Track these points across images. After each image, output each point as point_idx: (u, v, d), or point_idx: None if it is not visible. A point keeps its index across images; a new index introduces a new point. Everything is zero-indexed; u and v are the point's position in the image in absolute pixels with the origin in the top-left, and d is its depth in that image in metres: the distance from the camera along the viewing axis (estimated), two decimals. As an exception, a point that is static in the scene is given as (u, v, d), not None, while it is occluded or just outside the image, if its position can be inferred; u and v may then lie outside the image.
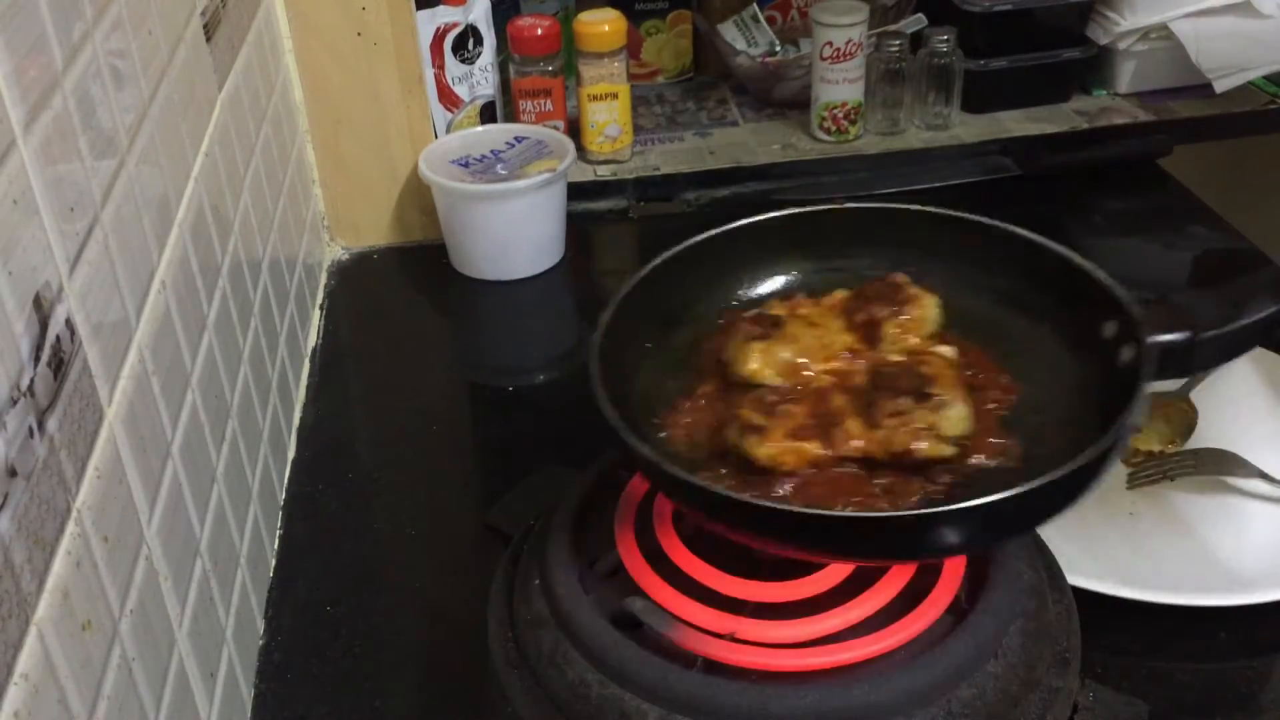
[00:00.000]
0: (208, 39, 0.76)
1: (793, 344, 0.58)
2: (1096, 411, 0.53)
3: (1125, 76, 1.26)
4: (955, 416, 0.53)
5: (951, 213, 0.63)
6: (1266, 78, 1.23)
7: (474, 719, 0.66)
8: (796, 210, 0.64)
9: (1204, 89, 1.21)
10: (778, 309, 0.60)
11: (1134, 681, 0.66)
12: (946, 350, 0.57)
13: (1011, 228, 0.61)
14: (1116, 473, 0.80)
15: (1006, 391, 0.57)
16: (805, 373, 0.57)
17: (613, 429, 0.52)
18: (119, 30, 0.59)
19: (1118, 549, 0.73)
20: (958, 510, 0.49)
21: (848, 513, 0.52)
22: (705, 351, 0.61)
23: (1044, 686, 0.54)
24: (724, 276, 0.64)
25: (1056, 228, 1.19)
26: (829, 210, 0.64)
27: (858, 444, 0.53)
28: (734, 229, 0.64)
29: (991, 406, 0.56)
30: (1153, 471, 0.78)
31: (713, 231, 0.63)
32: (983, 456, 0.54)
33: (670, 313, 0.62)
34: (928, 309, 0.59)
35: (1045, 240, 0.61)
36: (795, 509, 0.51)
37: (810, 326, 0.59)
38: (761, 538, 0.53)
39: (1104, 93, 1.28)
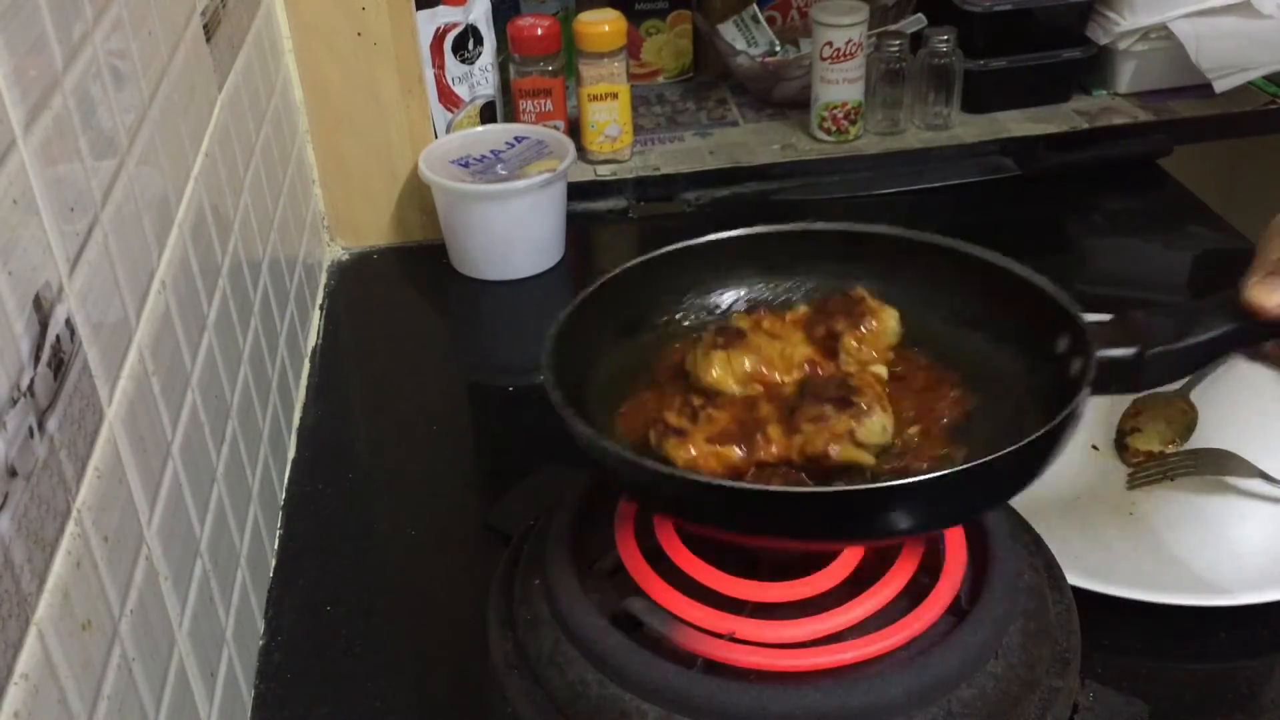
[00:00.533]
0: (208, 39, 0.76)
1: (754, 354, 0.59)
2: (1044, 422, 0.53)
3: (1125, 76, 1.26)
4: (874, 424, 0.54)
5: (910, 234, 0.64)
6: (1266, 78, 1.23)
7: (474, 719, 0.66)
8: (761, 229, 0.65)
9: (1204, 89, 1.21)
10: (741, 321, 0.61)
11: (1134, 681, 0.66)
12: (879, 369, 0.58)
13: (968, 248, 0.62)
14: (1117, 473, 0.80)
15: (957, 404, 0.58)
16: (766, 382, 0.58)
17: (555, 408, 0.54)
18: (119, 30, 0.59)
19: (1118, 549, 0.73)
20: (886, 488, 0.50)
21: (783, 488, 0.53)
22: (663, 358, 0.62)
23: (1044, 686, 0.54)
24: (686, 289, 0.65)
25: (1056, 228, 1.20)
26: (793, 230, 0.65)
27: (775, 450, 0.54)
28: (699, 244, 0.65)
29: (942, 419, 0.57)
30: (1153, 471, 0.78)
31: (677, 245, 0.64)
32: (923, 464, 0.55)
33: (630, 319, 0.64)
34: (886, 321, 0.60)
35: (1000, 259, 0.61)
36: (739, 485, 0.52)
37: (772, 339, 0.60)
38: (704, 519, 0.54)
39: (1104, 93, 1.28)
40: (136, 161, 0.59)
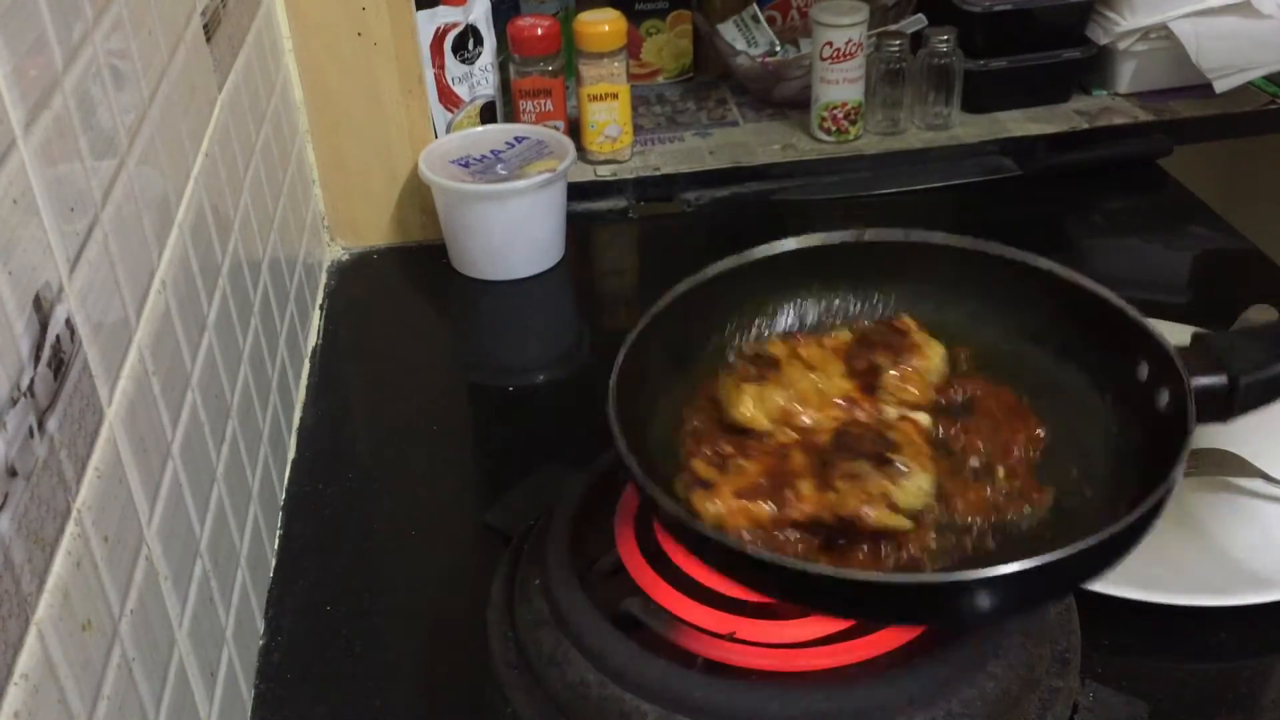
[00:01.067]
0: (208, 39, 0.76)
1: (788, 389, 0.56)
2: (1132, 458, 0.51)
3: (1125, 76, 1.26)
4: (913, 488, 0.51)
5: (978, 245, 0.60)
6: (1266, 78, 1.23)
7: (474, 719, 0.66)
8: (817, 241, 0.62)
9: (1204, 89, 1.21)
10: (777, 349, 0.58)
11: (1134, 681, 0.66)
12: (922, 418, 0.55)
13: (1041, 261, 0.59)
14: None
15: (1035, 436, 0.55)
16: (801, 419, 0.55)
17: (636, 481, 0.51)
18: (119, 30, 0.59)
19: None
20: (972, 580, 0.46)
21: (868, 575, 0.49)
22: (703, 392, 0.59)
23: (1044, 686, 0.54)
24: (738, 308, 0.62)
25: (1056, 228, 1.19)
26: (850, 243, 0.62)
27: (807, 507, 0.51)
28: (752, 261, 0.61)
29: (1025, 456, 0.54)
30: (1153, 471, 0.78)
31: (727, 262, 0.61)
32: (1015, 507, 0.52)
33: (686, 348, 0.60)
34: (931, 359, 0.57)
35: (1077, 276, 0.58)
36: (825, 571, 0.49)
37: (808, 370, 0.57)
38: (774, 592, 0.51)
39: (1104, 93, 1.28)
40: (136, 161, 0.59)
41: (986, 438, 0.55)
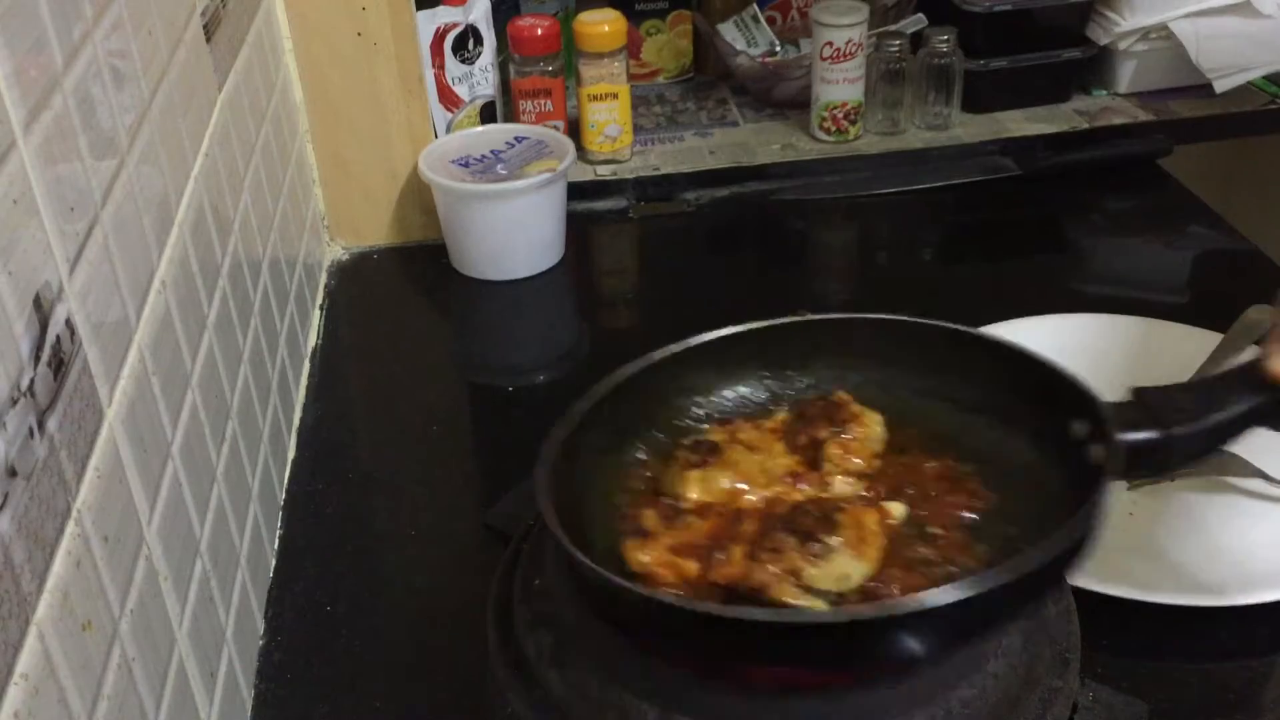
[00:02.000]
0: (208, 39, 0.76)
1: (732, 469, 0.56)
2: (1069, 516, 0.50)
3: (1125, 76, 1.27)
4: (831, 570, 0.50)
5: (909, 320, 0.61)
6: (1266, 78, 1.23)
7: (474, 719, 0.66)
8: (754, 325, 0.62)
9: (1204, 89, 1.21)
10: (716, 435, 0.59)
11: (1134, 681, 0.66)
12: (896, 509, 0.53)
13: (973, 331, 0.59)
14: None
15: (974, 498, 0.55)
16: (748, 498, 0.55)
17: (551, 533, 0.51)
18: (119, 30, 0.59)
19: (1118, 549, 0.73)
20: (897, 616, 0.46)
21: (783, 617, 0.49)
22: (643, 478, 0.59)
23: (1044, 686, 0.53)
24: (676, 394, 0.62)
25: (1056, 228, 1.19)
26: (787, 324, 0.62)
27: (729, 571, 0.51)
28: (690, 347, 0.61)
29: (960, 517, 0.54)
30: (1153, 471, 0.78)
31: (667, 349, 0.61)
32: (947, 569, 0.51)
33: (624, 430, 0.60)
34: (870, 427, 0.57)
35: (1009, 342, 0.58)
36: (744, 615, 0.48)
37: (750, 451, 0.57)
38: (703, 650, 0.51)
39: (1104, 93, 1.28)
40: (136, 161, 0.59)
41: (923, 499, 0.55)
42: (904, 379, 0.61)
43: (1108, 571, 0.69)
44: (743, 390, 0.63)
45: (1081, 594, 0.60)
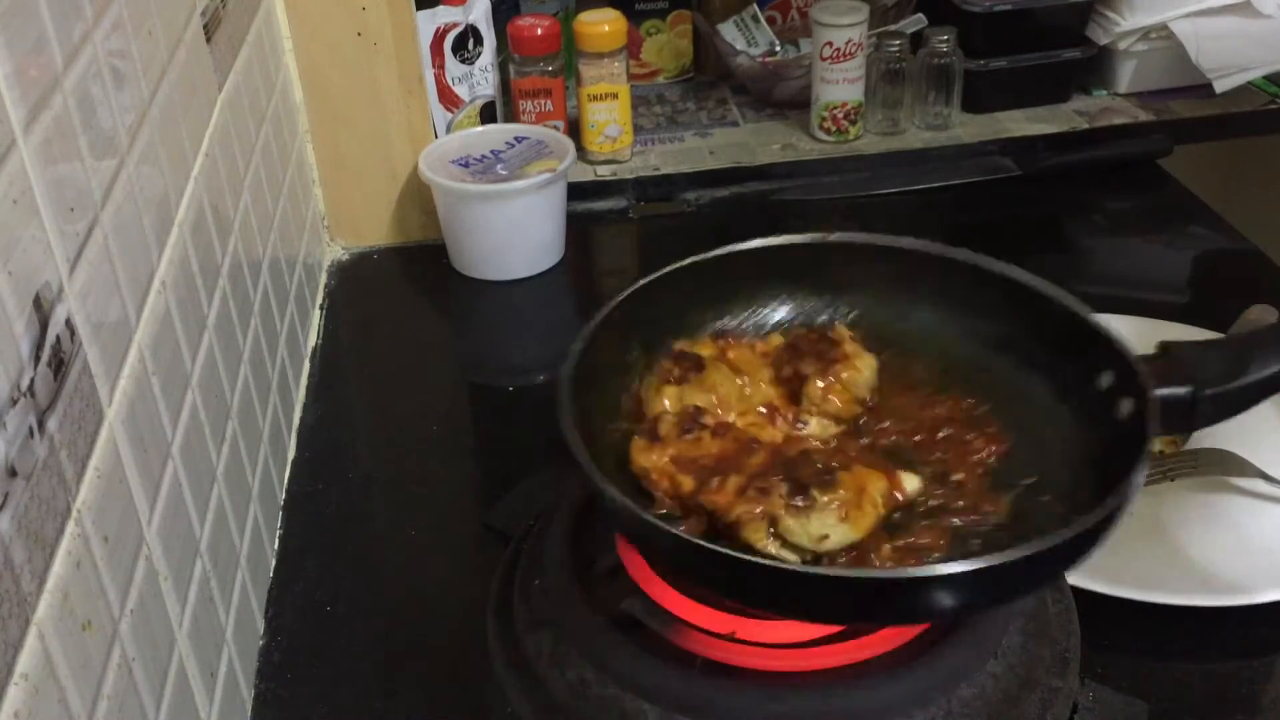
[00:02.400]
0: (208, 39, 0.76)
1: (710, 391, 0.55)
2: (1091, 467, 0.50)
3: (1125, 76, 1.27)
4: (808, 528, 0.49)
5: (940, 250, 0.59)
6: (1266, 78, 1.23)
7: (474, 719, 0.66)
8: (780, 241, 0.61)
9: (1204, 89, 1.21)
10: (706, 349, 0.58)
11: (1134, 681, 0.66)
12: (910, 482, 0.51)
13: (1005, 267, 0.58)
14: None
15: (993, 442, 0.54)
16: (718, 422, 0.54)
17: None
18: (119, 30, 0.59)
19: (1118, 549, 0.73)
20: (940, 576, 0.46)
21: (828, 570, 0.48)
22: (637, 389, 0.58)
23: (1044, 686, 0.54)
24: (709, 303, 0.61)
25: (1056, 228, 1.19)
26: (815, 243, 0.61)
27: (718, 499, 0.50)
28: (723, 254, 0.60)
29: (978, 458, 0.53)
30: (1153, 471, 0.78)
31: (701, 256, 0.60)
32: (968, 518, 0.51)
33: (653, 337, 0.60)
34: (861, 372, 0.55)
35: (1040, 282, 0.57)
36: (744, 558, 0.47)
37: (734, 374, 0.56)
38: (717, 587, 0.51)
39: (1104, 93, 1.28)
40: (136, 161, 0.59)
41: (942, 439, 0.54)
42: (926, 310, 0.60)
43: (1108, 571, 0.69)
44: (758, 310, 0.62)
45: (1081, 594, 0.60)
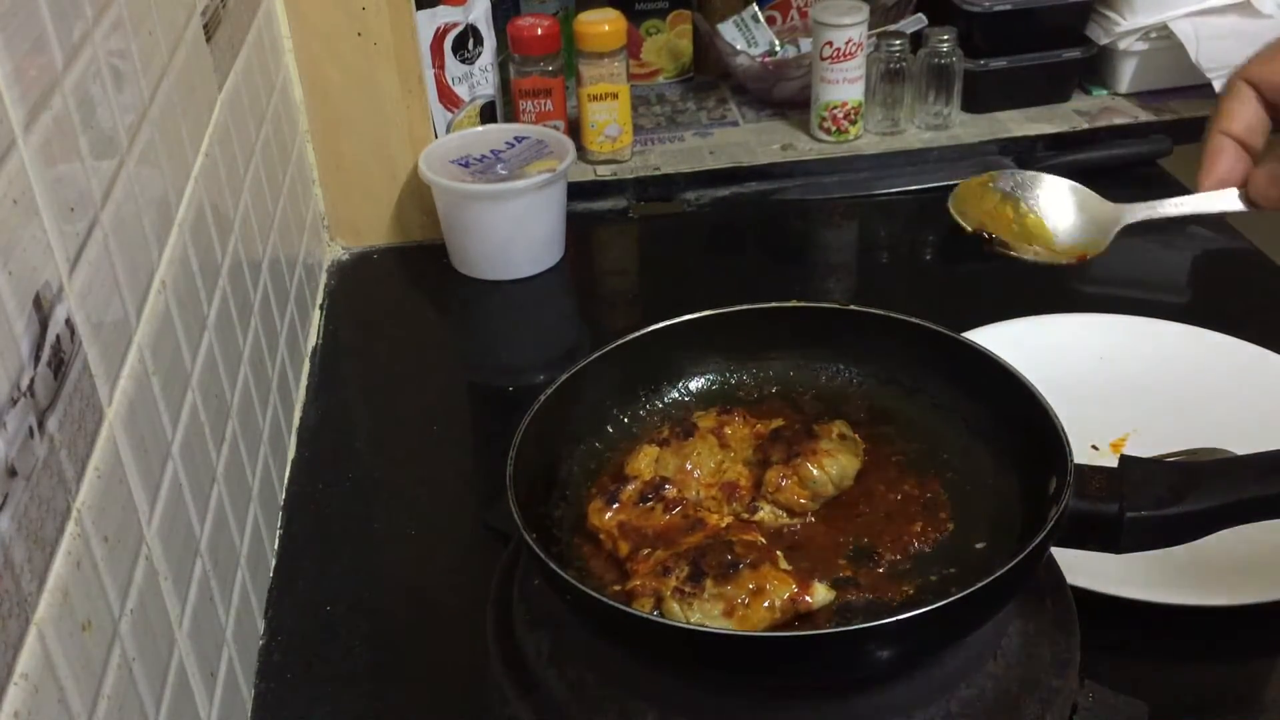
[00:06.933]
0: (208, 39, 0.76)
1: (685, 459, 0.57)
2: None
3: (1125, 76, 1.27)
4: (689, 615, 0.50)
5: (909, 320, 0.61)
6: (1266, 78, 1.23)
7: (474, 719, 0.66)
8: (727, 310, 0.62)
9: (1204, 89, 1.21)
10: (705, 421, 0.59)
11: (1134, 681, 0.66)
12: (819, 594, 0.51)
13: (983, 350, 0.58)
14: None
15: (933, 529, 0.55)
16: (682, 492, 0.56)
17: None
18: (119, 30, 0.59)
19: (1118, 549, 0.73)
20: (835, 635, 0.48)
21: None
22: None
23: (1044, 686, 0.53)
24: (655, 378, 0.63)
25: (1056, 228, 1.17)
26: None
27: (636, 568, 0.52)
28: (665, 328, 0.62)
29: (912, 545, 0.54)
30: (1153, 471, 0.78)
31: (656, 326, 0.62)
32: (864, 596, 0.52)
33: (598, 412, 0.62)
34: (827, 470, 0.56)
35: (1024, 380, 0.57)
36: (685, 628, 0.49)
37: (720, 448, 0.58)
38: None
39: (1104, 93, 1.28)
40: (136, 161, 0.59)
41: (883, 521, 0.55)
42: (924, 394, 0.61)
43: (1108, 571, 0.69)
44: (709, 379, 0.64)
45: (1081, 594, 0.60)
